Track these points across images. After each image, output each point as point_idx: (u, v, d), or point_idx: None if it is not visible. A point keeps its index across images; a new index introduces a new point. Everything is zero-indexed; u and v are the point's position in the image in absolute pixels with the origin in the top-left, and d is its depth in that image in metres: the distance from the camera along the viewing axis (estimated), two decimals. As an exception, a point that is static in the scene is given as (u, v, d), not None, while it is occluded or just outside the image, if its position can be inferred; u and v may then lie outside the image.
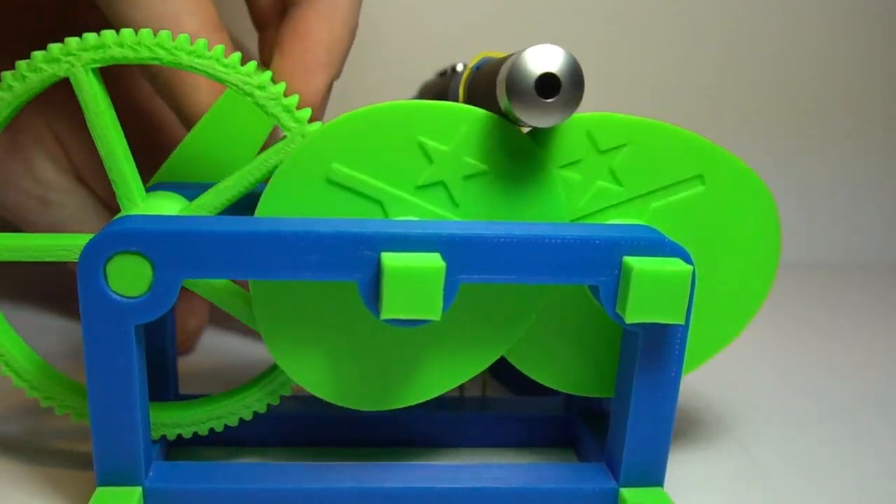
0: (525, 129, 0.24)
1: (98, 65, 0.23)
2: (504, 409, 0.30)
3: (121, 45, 0.23)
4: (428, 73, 0.40)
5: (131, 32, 0.23)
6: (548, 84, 0.22)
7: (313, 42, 0.28)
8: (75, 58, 0.23)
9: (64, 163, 0.34)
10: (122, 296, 0.22)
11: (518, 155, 0.24)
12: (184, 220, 0.22)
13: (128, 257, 0.21)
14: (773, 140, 0.58)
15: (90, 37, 0.23)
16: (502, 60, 0.23)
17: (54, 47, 0.23)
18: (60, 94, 0.31)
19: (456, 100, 0.28)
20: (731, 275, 0.26)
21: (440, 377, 0.25)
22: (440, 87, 0.34)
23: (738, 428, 0.32)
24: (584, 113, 0.24)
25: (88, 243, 0.21)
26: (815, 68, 0.58)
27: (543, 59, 0.22)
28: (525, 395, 0.32)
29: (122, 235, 0.21)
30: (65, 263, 0.25)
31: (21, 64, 0.23)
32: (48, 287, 0.43)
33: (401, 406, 0.26)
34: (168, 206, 0.25)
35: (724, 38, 0.57)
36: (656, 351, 0.23)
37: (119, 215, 0.24)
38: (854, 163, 0.59)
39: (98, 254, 0.21)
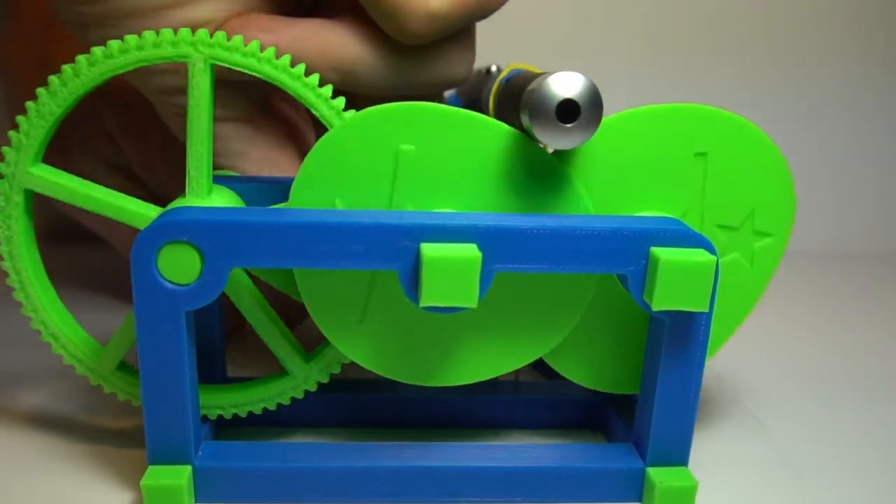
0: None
1: (217, 63, 0.24)
2: (536, 392, 0.30)
3: (238, 52, 0.24)
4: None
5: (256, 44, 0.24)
6: (568, 109, 0.23)
7: None
8: (201, 49, 0.24)
9: (115, 161, 0.35)
10: (173, 283, 0.23)
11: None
12: (231, 211, 0.23)
13: (178, 247, 0.22)
14: (790, 134, 0.58)
15: (220, 36, 0.24)
16: (528, 80, 0.24)
17: (185, 31, 0.24)
18: (117, 94, 0.32)
19: (488, 102, 0.29)
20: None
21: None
22: (478, 85, 0.35)
23: (758, 409, 0.32)
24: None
25: (141, 233, 0.22)
26: (837, 54, 0.58)
27: (564, 85, 0.23)
28: (556, 379, 0.32)
29: (173, 226, 0.22)
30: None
31: (148, 35, 0.24)
32: (103, 273, 0.44)
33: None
34: (227, 203, 0.25)
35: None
36: (681, 337, 0.24)
37: (174, 204, 0.25)
38: (877, 152, 0.60)
39: (150, 243, 0.22)
